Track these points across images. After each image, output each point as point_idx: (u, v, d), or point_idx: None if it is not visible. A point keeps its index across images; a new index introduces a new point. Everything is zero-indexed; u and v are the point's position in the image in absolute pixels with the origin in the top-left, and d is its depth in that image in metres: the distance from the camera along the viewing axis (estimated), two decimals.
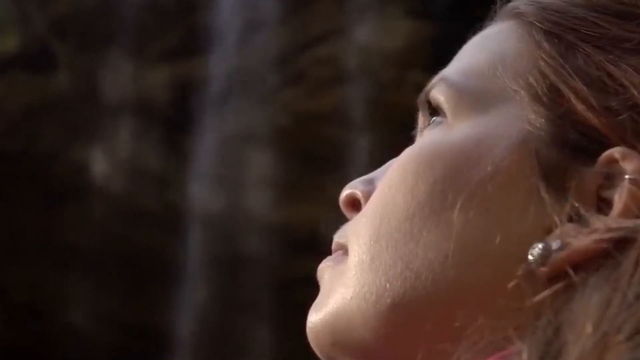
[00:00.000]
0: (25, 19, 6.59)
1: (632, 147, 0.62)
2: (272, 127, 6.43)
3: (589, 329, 0.52)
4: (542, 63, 0.67)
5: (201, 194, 6.51)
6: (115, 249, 6.38)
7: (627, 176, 0.61)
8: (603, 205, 0.62)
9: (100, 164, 6.49)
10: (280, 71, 6.48)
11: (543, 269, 0.60)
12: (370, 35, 6.41)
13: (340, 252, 0.70)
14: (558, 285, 0.58)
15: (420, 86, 0.74)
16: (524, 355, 0.54)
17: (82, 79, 6.54)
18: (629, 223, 0.58)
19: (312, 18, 6.50)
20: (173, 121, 6.57)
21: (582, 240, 0.59)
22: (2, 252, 6.48)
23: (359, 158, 5.93)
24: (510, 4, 0.73)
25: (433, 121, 0.71)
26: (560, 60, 0.66)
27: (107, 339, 6.34)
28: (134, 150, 6.55)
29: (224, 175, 6.54)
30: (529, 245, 0.61)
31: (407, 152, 0.69)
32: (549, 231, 0.61)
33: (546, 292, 0.57)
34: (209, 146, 6.58)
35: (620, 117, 0.63)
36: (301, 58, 6.47)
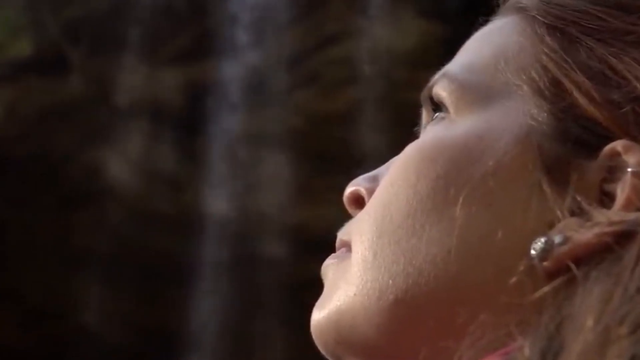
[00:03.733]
0: (39, 23, 6.61)
1: (635, 139, 0.62)
2: (285, 128, 6.44)
3: (590, 322, 0.52)
4: (544, 57, 0.66)
5: (215, 195, 6.52)
6: (129, 251, 6.40)
7: (629, 169, 0.61)
8: (606, 199, 0.61)
9: (113, 167, 6.51)
10: (293, 72, 6.49)
11: (545, 264, 0.59)
12: (382, 36, 6.41)
13: (344, 249, 0.70)
14: (559, 280, 0.57)
15: None
16: (526, 351, 0.54)
17: (95, 83, 6.56)
18: (631, 216, 0.58)
19: (324, 19, 6.50)
20: (186, 123, 6.58)
21: (584, 234, 0.59)
22: (17, 255, 6.50)
23: (372, 158, 5.93)
24: None
25: (436, 117, 0.70)
26: (563, 54, 0.66)
27: (122, 341, 6.36)
28: (148, 152, 6.57)
29: (237, 177, 6.55)
30: (532, 240, 0.60)
31: (410, 148, 0.69)
32: (551, 225, 0.61)
33: (546, 288, 0.57)
34: (222, 148, 6.59)
35: (623, 110, 0.62)
36: (313, 59, 6.47)
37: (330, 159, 6.10)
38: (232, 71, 6.62)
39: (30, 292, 6.48)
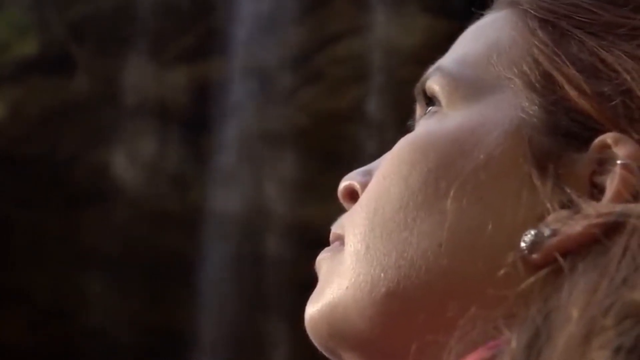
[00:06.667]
0: (44, 23, 6.62)
1: (625, 132, 0.62)
2: (291, 127, 6.44)
3: (575, 314, 0.52)
4: (535, 50, 0.67)
5: (221, 194, 6.52)
6: (136, 250, 6.41)
7: (619, 161, 0.61)
8: (596, 192, 0.62)
9: (120, 167, 6.52)
10: (299, 70, 6.49)
11: (535, 256, 0.60)
12: (388, 33, 6.41)
13: (337, 242, 0.71)
14: (544, 271, 0.58)
15: None
16: (513, 343, 0.54)
17: (101, 82, 6.57)
18: (619, 207, 0.58)
19: (330, 17, 6.50)
20: (192, 122, 6.59)
21: (573, 226, 0.59)
22: (25, 255, 6.52)
23: (378, 156, 5.90)
24: None
25: (429, 111, 0.71)
26: (554, 47, 0.66)
27: (130, 340, 6.37)
28: (154, 152, 6.57)
29: (244, 176, 6.55)
30: (522, 232, 0.61)
31: (403, 142, 0.69)
32: (541, 218, 0.61)
33: (532, 279, 0.57)
34: (228, 147, 6.59)
35: (613, 103, 0.63)
36: (319, 57, 6.47)
37: (336, 157, 6.10)
38: (238, 70, 6.62)
39: (37, 292, 6.50)
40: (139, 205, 6.46)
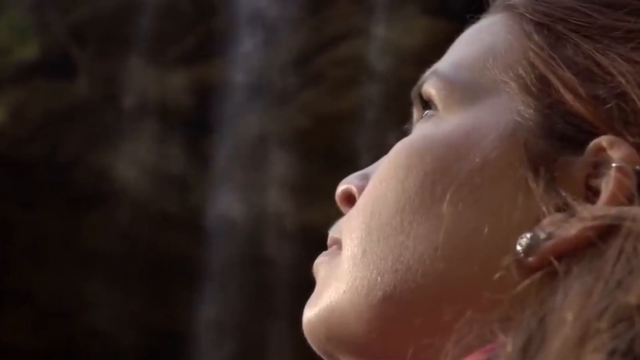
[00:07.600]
0: (45, 26, 6.63)
1: (620, 135, 0.62)
2: (292, 128, 6.44)
3: (570, 317, 0.52)
4: (531, 54, 0.67)
5: (223, 196, 6.52)
6: (138, 252, 6.41)
7: (614, 164, 0.61)
8: (591, 195, 0.62)
9: (122, 169, 6.52)
10: (300, 72, 6.49)
11: (531, 259, 0.60)
12: (389, 35, 6.41)
13: (335, 246, 0.71)
14: (539, 274, 0.58)
15: None
16: (509, 347, 0.54)
17: (102, 84, 6.57)
18: (614, 210, 0.58)
19: (331, 18, 6.50)
20: (194, 124, 6.59)
21: (568, 229, 0.59)
22: (28, 257, 6.52)
23: (380, 157, 5.89)
24: None
25: (425, 114, 0.71)
26: (550, 50, 0.66)
27: (132, 341, 6.37)
28: (156, 154, 6.57)
29: (245, 178, 6.55)
30: (518, 236, 0.61)
31: (399, 146, 0.69)
32: (537, 221, 0.61)
33: (527, 282, 0.57)
34: (230, 148, 6.59)
35: (608, 106, 0.63)
36: (320, 59, 6.47)
37: (337, 159, 6.10)
38: (239, 71, 6.63)
39: (39, 293, 6.50)
40: (140, 207, 6.47)
